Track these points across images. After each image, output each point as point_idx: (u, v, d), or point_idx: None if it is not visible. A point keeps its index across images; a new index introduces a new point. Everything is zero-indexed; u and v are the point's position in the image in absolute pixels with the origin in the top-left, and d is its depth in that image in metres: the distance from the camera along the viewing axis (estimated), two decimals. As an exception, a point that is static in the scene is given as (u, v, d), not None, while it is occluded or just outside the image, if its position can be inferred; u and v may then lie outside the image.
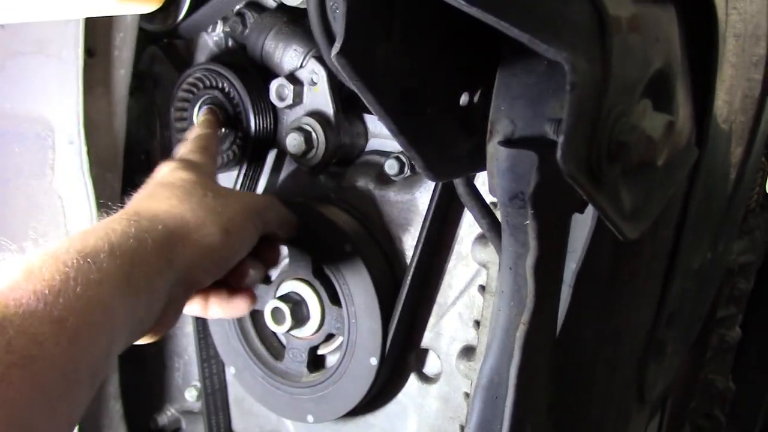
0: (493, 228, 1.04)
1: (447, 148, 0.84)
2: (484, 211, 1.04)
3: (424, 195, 1.29)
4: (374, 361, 1.30)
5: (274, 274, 1.46)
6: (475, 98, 0.84)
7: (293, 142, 1.33)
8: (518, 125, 0.74)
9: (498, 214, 0.94)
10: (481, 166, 0.90)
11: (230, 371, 1.50)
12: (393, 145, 1.35)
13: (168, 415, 1.74)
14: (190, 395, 1.66)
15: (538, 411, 0.94)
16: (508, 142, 0.73)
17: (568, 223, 0.86)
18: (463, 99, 0.84)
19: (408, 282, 1.27)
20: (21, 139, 1.33)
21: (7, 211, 1.40)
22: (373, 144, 1.39)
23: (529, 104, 0.73)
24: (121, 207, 1.06)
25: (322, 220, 1.31)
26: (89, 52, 1.21)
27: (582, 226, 0.97)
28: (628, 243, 0.89)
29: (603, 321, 0.99)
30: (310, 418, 1.41)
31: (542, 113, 0.72)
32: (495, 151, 0.75)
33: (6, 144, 1.36)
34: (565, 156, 0.59)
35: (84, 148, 1.25)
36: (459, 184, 1.01)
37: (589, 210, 0.93)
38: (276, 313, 1.37)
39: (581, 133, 0.60)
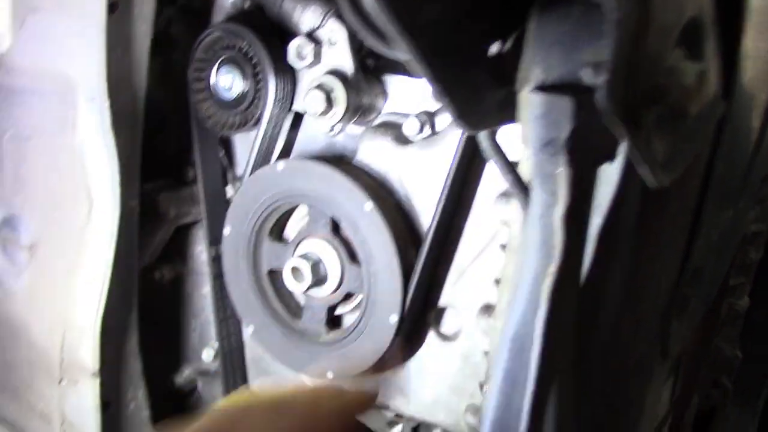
0: (517, 183, 1.04)
1: (478, 98, 0.84)
2: (508, 166, 1.04)
3: (443, 155, 1.29)
4: (394, 318, 1.31)
5: (292, 233, 1.47)
6: (506, 48, 0.84)
7: (313, 100, 1.33)
8: (552, 72, 0.73)
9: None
10: (509, 119, 0.90)
11: (248, 330, 1.51)
12: (411, 106, 1.35)
13: (185, 375, 1.76)
14: (207, 355, 1.68)
15: (563, 363, 0.94)
16: (542, 89, 0.73)
17: (595, 175, 0.86)
18: (494, 48, 0.83)
19: (429, 240, 1.28)
20: (42, 97, 1.33)
21: (28, 169, 1.41)
22: (391, 105, 1.38)
23: (563, 51, 0.72)
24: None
25: (341, 180, 1.31)
26: (111, 6, 1.21)
27: (606, 181, 0.97)
28: (656, 195, 0.90)
29: (628, 275, 0.99)
30: (329, 375, 1.42)
31: (577, 59, 0.71)
32: (528, 98, 0.75)
33: (27, 101, 1.36)
34: (607, 96, 0.59)
35: (106, 105, 1.25)
36: (484, 138, 1.01)
37: (615, 163, 0.93)
38: (295, 272, 1.38)
39: (622, 73, 0.60)
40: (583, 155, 0.77)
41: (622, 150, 0.88)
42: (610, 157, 0.83)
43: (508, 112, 0.89)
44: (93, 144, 1.29)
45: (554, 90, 0.73)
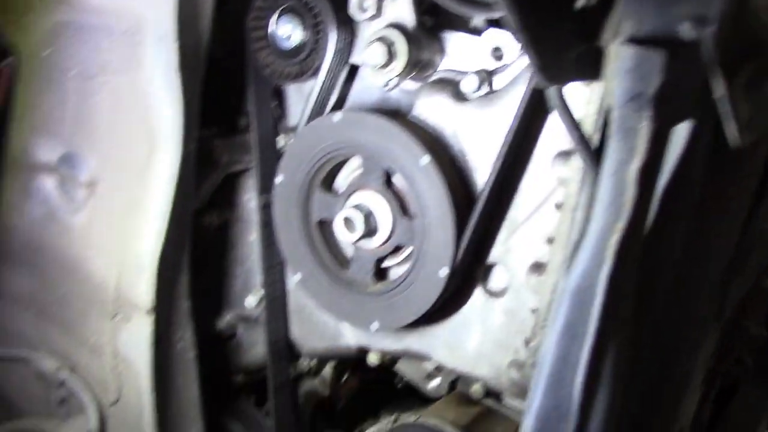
0: (582, 141, 1.05)
1: (561, 51, 0.85)
2: (574, 123, 1.05)
3: (500, 113, 1.30)
4: (444, 272, 1.33)
5: (344, 185, 1.49)
6: (591, 2, 0.85)
7: (374, 53, 1.34)
8: (644, 26, 0.74)
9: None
10: (586, 75, 0.92)
11: (296, 278, 1.54)
12: (469, 63, 1.36)
13: (226, 320, 1.79)
14: (251, 302, 1.71)
15: (624, 317, 0.96)
16: (634, 41, 0.74)
17: (671, 133, 0.87)
18: (580, 2, 0.84)
19: (484, 196, 1.29)
20: (110, 35, 1.34)
21: (91, 108, 1.43)
22: (448, 62, 1.39)
23: (657, 4, 0.73)
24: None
25: (398, 133, 1.33)
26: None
27: (675, 140, 0.98)
28: (725, 157, 0.91)
29: (691, 234, 1.00)
30: (375, 325, 1.45)
31: (673, 13, 0.72)
32: (619, 50, 0.76)
33: (93, 39, 1.38)
34: (714, 48, 0.60)
35: (174, 45, 1.26)
36: (554, 95, 1.02)
37: (684, 125, 0.94)
38: (347, 222, 1.41)
39: (729, 26, 0.61)
40: (666, 111, 0.78)
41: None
42: (690, 115, 0.84)
43: (585, 69, 0.90)
44: (158, 84, 1.31)
45: (646, 43, 0.73)
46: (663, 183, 1.00)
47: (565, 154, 1.24)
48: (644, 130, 0.78)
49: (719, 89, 0.65)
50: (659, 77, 0.73)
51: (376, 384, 2.09)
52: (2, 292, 1.70)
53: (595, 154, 1.03)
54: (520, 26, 0.75)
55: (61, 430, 1.57)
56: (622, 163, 0.85)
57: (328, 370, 1.86)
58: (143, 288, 1.41)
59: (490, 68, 1.34)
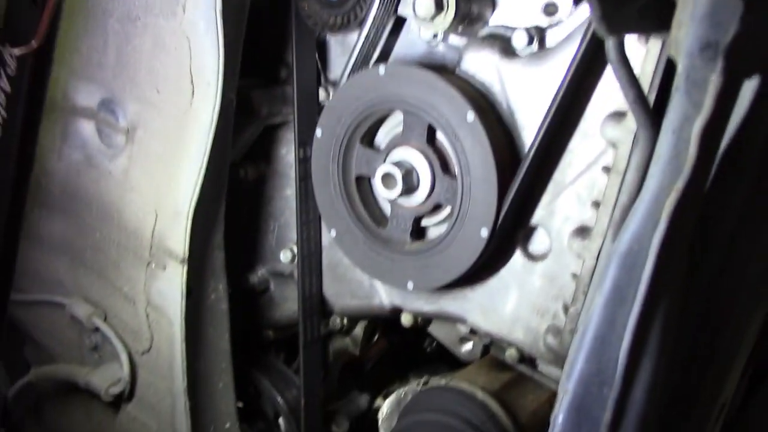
0: (638, 98, 1.01)
1: (623, 1, 0.81)
2: (632, 80, 1.00)
3: (551, 71, 1.26)
4: (485, 232, 1.30)
5: (384, 141, 1.46)
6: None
7: (422, 4, 1.30)
8: (723, -31, 0.70)
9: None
10: (647, 27, 0.87)
11: (331, 234, 1.52)
12: (520, 19, 1.31)
13: (259, 275, 1.78)
14: (285, 256, 1.69)
15: (674, 283, 0.93)
16: (711, -14, 0.70)
17: (740, 89, 0.83)
18: (649, -53, 0.80)
19: (530, 157, 1.25)
20: (153, -23, 1.32)
21: (131, 52, 1.41)
22: (498, 17, 1.34)
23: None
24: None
25: (444, 88, 1.29)
26: None
27: (739, 101, 0.94)
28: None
29: (749, 202, 0.96)
30: (410, 284, 1.42)
31: (755, -44, 0.68)
32: (693, -4, 0.71)
33: (137, -20, 1.35)
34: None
35: (219, -10, 1.24)
36: (612, 48, 0.97)
37: (751, 82, 0.89)
38: (387, 179, 1.38)
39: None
40: (738, 63, 0.74)
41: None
42: (762, 68, 0.79)
43: (646, 21, 0.86)
44: (201, 29, 1.29)
45: (723, -11, 0.69)
46: (725, 143, 0.96)
47: (617, 115, 1.19)
48: (714, 83, 0.74)
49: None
50: (736, 26, 0.68)
51: (405, 347, 2.08)
52: (39, 237, 1.70)
53: (651, 114, 0.99)
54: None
55: (93, 377, 1.58)
56: (686, 119, 0.81)
57: (359, 329, 1.85)
58: (178, 237, 1.40)
59: (543, 24, 1.29)
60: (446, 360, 1.75)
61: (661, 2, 0.83)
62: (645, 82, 1.12)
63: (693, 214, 0.92)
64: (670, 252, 0.90)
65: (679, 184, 0.86)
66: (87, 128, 1.55)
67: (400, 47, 1.45)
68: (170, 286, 1.44)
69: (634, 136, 1.13)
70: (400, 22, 1.44)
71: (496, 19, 1.35)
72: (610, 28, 0.81)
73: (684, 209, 0.88)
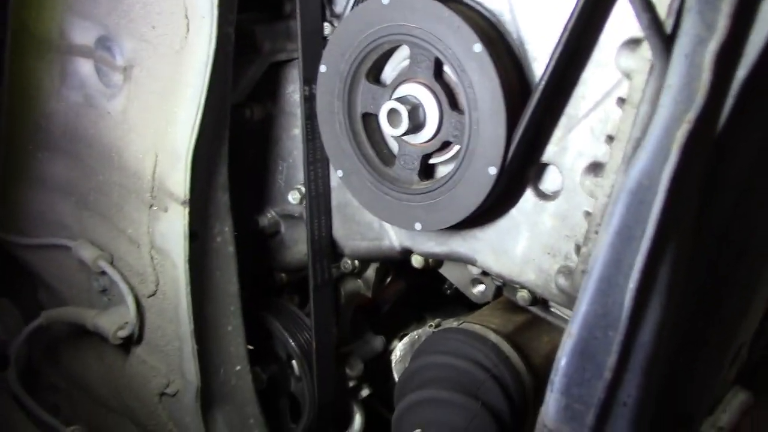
0: (653, 24, 0.93)
1: None
2: (646, 4, 0.93)
3: (563, -2, 1.19)
4: (493, 170, 1.24)
5: (390, 77, 1.40)
6: None
7: (428, -72, 1.22)
8: None
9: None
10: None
11: (338, 174, 1.47)
12: (532, -58, 1.23)
13: (268, 217, 1.75)
14: (293, 198, 1.65)
15: (684, 220, 0.87)
16: None
17: (758, 9, 0.76)
18: None
19: (540, 89, 1.18)
20: None
21: (128, -3, 1.36)
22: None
23: None
24: None
25: (449, 17, 1.22)
26: None
27: (758, 27, 0.86)
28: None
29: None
30: (417, 225, 1.38)
31: None
32: None
33: None
34: None
35: None
36: (624, -31, 0.90)
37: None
38: (393, 115, 1.32)
39: None
40: (756, -21, 0.67)
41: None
42: (783, -14, 0.72)
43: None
44: (193, -40, 1.23)
45: None
46: (743, 73, 0.89)
47: (632, 43, 1.12)
48: (728, 1, 0.67)
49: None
50: (752, -67, 0.61)
51: (424, 288, 2.05)
52: (42, 180, 1.68)
53: (667, 40, 0.92)
54: None
55: (101, 319, 1.57)
56: (699, 43, 0.75)
57: (371, 271, 1.81)
58: (179, 178, 1.36)
59: (556, -54, 1.21)
60: (465, 302, 1.71)
61: None
62: (663, 6, 1.04)
63: (706, 147, 0.85)
64: (680, 188, 0.84)
65: (691, 115, 0.80)
66: (85, 67, 1.50)
67: (407, -25, 1.38)
68: (173, 229, 1.41)
69: (651, 66, 1.06)
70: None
71: (506, -55, 1.27)
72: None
73: (696, 142, 0.82)
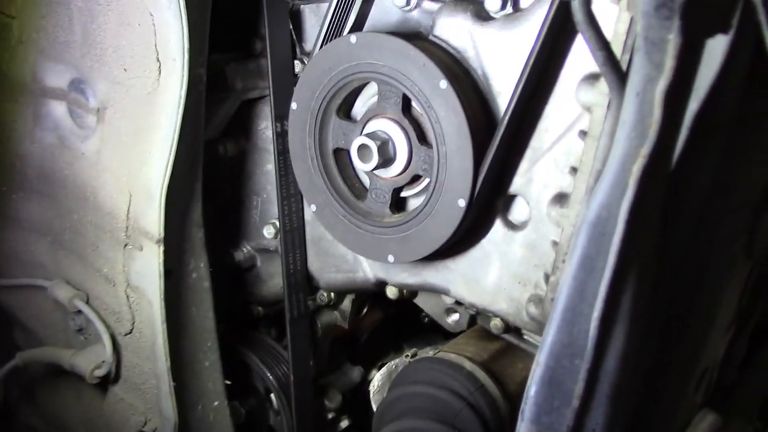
0: (608, 61, 0.97)
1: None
2: (601, 42, 0.96)
3: (525, 34, 1.22)
4: (462, 203, 1.27)
5: (360, 112, 1.43)
6: None
7: (391, -31, 1.26)
8: None
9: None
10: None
11: (311, 209, 1.49)
12: (494, -19, 1.27)
13: (244, 251, 1.76)
14: (268, 232, 1.67)
15: (644, 250, 0.90)
16: (663, -60, 0.66)
17: (703, 48, 0.79)
18: None
19: (504, 123, 1.22)
20: (112, -48, 1.29)
21: (97, 28, 1.38)
22: (472, -20, 1.30)
23: None
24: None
25: (416, 55, 1.25)
26: None
27: (709, 61, 0.90)
28: (762, 81, 0.83)
29: (721, 165, 0.93)
30: (390, 258, 1.40)
31: None
32: (645, -49, 0.68)
33: (97, -43, 1.32)
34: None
35: (178, -39, 1.20)
36: (578, 9, 0.93)
37: (721, 41, 0.86)
38: (363, 150, 1.35)
39: None
40: (697, 22, 0.70)
41: (733, 24, 0.81)
42: (724, 27, 0.76)
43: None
44: (163, 3, 1.25)
45: (676, -58, 0.65)
46: (695, 106, 0.92)
47: (591, 78, 1.16)
48: (672, 43, 0.70)
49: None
50: (690, -19, 0.65)
51: (401, 318, 2.07)
52: (18, 221, 1.69)
53: (623, 77, 0.95)
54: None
55: (78, 359, 1.57)
56: (648, 82, 0.78)
57: (347, 303, 1.83)
58: (153, 217, 1.38)
59: (516, -15, 1.25)
60: (442, 330, 1.73)
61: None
62: (618, 43, 1.08)
63: (662, 180, 0.89)
64: (639, 220, 0.87)
65: (645, 150, 0.83)
66: (58, 109, 1.52)
67: (375, 14, 1.42)
68: (148, 267, 1.43)
69: (609, 100, 1.10)
70: (374, -12, 1.40)
71: (470, -18, 1.31)
72: (568, -12, 0.78)
73: (652, 175, 0.85)
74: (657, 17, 0.70)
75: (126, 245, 1.45)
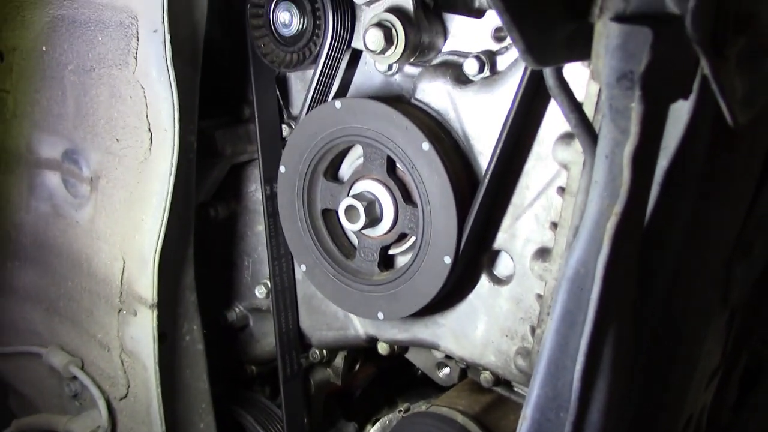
0: (581, 123, 1.02)
1: (548, 31, 0.82)
2: (573, 105, 1.01)
3: (503, 95, 1.27)
4: (448, 260, 1.31)
5: (347, 173, 1.47)
6: (580, -21, 0.82)
7: (373, 38, 1.31)
8: (632, 1, 0.71)
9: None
10: (577, 56, 0.88)
11: (301, 269, 1.52)
12: (471, 45, 1.33)
13: (237, 312, 1.79)
14: (260, 292, 1.70)
15: (622, 305, 0.93)
16: (621, 18, 0.71)
17: (667, 112, 0.84)
18: (568, -21, 0.81)
19: (486, 182, 1.26)
20: (104, 28, 1.33)
21: (89, 102, 1.42)
22: (450, 44, 1.36)
23: (644, -21, 0.70)
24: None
25: (398, 119, 1.30)
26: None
27: (675, 121, 0.95)
28: (727, 138, 0.87)
29: (693, 219, 0.97)
30: (380, 315, 1.43)
31: (660, -13, 0.69)
32: (605, 28, 0.72)
33: (89, 33, 1.37)
34: (693, 22, 0.57)
35: (168, 36, 1.25)
36: (549, 76, 0.98)
37: (686, 104, 0.90)
38: (350, 211, 1.39)
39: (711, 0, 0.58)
40: (657, 90, 0.75)
41: (694, 88, 0.85)
42: (685, 93, 0.80)
43: (576, 49, 0.87)
44: (153, 77, 1.30)
45: (633, 20, 0.70)
46: (664, 164, 0.97)
47: (567, 137, 1.21)
48: (636, 110, 0.75)
49: (706, 65, 0.62)
50: (648, 55, 0.69)
51: (395, 372, 2.08)
52: (12, 289, 1.71)
53: (595, 138, 1.00)
54: (500, 7, 0.72)
55: (74, 425, 1.58)
56: (616, 145, 0.82)
57: (339, 359, 1.85)
58: (146, 282, 1.41)
59: (493, 49, 1.31)
60: (435, 383, 1.75)
61: (587, 32, 0.84)
62: (590, 104, 1.13)
63: (636, 236, 0.92)
64: (615, 275, 0.90)
65: (618, 209, 0.86)
66: (53, 179, 1.56)
67: (359, 79, 1.47)
68: (142, 332, 1.45)
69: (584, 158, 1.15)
70: (357, 55, 1.45)
71: (449, 46, 1.36)
72: (537, 59, 0.82)
73: (625, 232, 0.88)
74: (619, 88, 0.74)
75: (120, 311, 1.48)
